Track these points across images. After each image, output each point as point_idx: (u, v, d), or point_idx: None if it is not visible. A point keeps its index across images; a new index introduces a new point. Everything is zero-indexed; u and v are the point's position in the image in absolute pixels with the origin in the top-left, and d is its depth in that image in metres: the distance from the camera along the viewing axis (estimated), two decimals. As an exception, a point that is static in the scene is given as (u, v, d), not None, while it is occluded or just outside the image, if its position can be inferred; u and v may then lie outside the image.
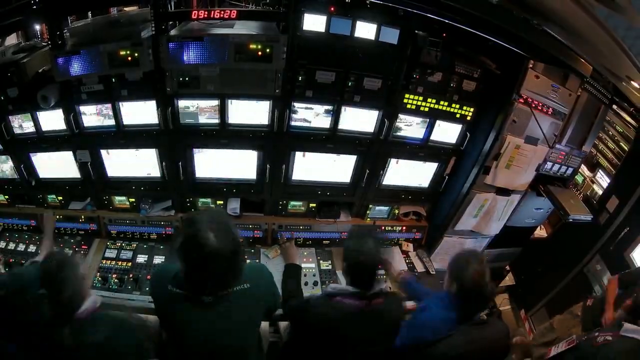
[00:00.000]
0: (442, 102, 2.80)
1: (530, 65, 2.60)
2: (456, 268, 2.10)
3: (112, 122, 2.80)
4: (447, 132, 2.91)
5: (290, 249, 2.90)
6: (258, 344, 2.16)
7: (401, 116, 2.80)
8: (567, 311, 2.94)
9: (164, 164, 2.95)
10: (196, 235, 1.63)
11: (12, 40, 3.22)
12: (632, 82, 2.94)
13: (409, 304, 2.60)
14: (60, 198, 3.28)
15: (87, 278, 1.96)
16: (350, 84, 2.67)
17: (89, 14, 3.18)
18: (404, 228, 3.23)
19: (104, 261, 3.08)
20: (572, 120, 2.90)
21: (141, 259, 3.11)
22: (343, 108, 2.74)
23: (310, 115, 2.77)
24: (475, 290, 2.01)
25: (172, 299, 1.82)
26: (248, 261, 2.48)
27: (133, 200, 3.20)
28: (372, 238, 2.00)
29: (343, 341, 1.99)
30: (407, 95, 2.75)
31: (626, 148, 3.67)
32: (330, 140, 2.85)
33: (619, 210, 3.30)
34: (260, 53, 2.49)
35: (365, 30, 2.50)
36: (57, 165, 3.08)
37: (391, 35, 2.55)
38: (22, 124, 2.94)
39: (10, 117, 2.91)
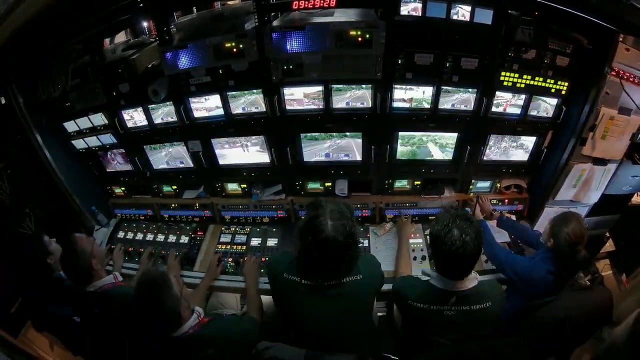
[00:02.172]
0: (537, 78, 3.41)
1: (620, 39, 3.10)
2: (556, 224, 2.98)
3: (220, 112, 3.60)
4: (543, 107, 3.57)
5: (406, 226, 3.79)
6: (370, 326, 2.76)
7: (498, 93, 3.49)
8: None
9: (272, 150, 3.82)
10: (316, 220, 2.23)
11: (121, 37, 4.17)
12: None
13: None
14: (175, 187, 4.25)
15: (185, 298, 2.45)
16: (448, 64, 3.27)
17: (194, 9, 4.04)
18: (507, 201, 4.13)
19: (220, 246, 4.04)
20: (664, 89, 3.62)
21: (255, 242, 4.04)
22: (442, 88, 3.42)
23: (410, 95, 3.48)
24: (570, 247, 2.85)
25: (287, 285, 2.46)
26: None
27: (244, 186, 4.17)
28: (462, 223, 2.29)
29: (436, 329, 2.47)
30: (503, 73, 3.36)
31: None
32: (432, 120, 3.60)
33: None
34: (360, 39, 3.09)
35: (460, 12, 3.07)
36: (172, 156, 4.00)
37: (485, 16, 3.09)
38: (134, 118, 3.82)
39: (123, 112, 3.78)
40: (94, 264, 2.88)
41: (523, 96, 3.49)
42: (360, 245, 2.43)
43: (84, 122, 3.92)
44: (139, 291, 2.36)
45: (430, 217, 4.09)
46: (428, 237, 3.71)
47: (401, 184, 4.07)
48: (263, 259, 3.79)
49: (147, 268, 3.63)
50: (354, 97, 3.47)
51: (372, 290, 2.61)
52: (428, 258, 3.71)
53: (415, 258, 3.70)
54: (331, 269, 2.36)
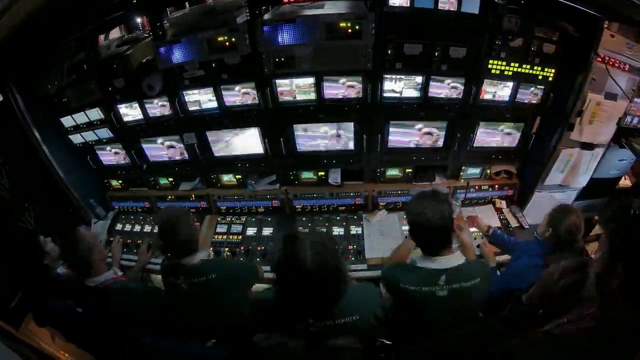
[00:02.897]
0: (524, 66, 3.45)
1: (605, 25, 3.15)
2: (555, 215, 3.03)
3: (214, 104, 3.66)
4: (530, 93, 3.63)
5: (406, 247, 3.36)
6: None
7: (486, 81, 3.53)
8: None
9: (266, 141, 3.87)
10: (293, 254, 1.89)
11: (115, 34, 4.17)
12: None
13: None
14: (171, 179, 4.32)
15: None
16: (436, 54, 3.30)
17: (187, 4, 4.09)
18: (497, 186, 4.20)
19: (216, 236, 4.13)
20: (649, 74, 3.69)
21: (251, 231, 4.11)
22: (431, 77, 3.47)
23: (400, 86, 3.53)
24: (568, 239, 2.93)
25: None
26: (355, 283, 2.75)
27: (239, 177, 4.23)
28: (434, 199, 2.38)
29: (430, 311, 2.44)
30: (490, 61, 3.40)
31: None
32: (422, 108, 3.64)
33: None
34: (350, 31, 3.11)
35: (448, 2, 3.12)
36: (167, 149, 4.07)
37: (472, 6, 3.14)
38: (129, 112, 3.86)
39: (118, 106, 3.82)
40: (95, 256, 2.88)
41: (510, 83, 3.53)
42: (350, 280, 2.08)
43: (80, 118, 3.96)
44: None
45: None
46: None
47: (393, 172, 4.13)
48: (259, 248, 3.88)
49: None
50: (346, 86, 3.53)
51: (372, 329, 2.34)
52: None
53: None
54: (319, 307, 2.07)
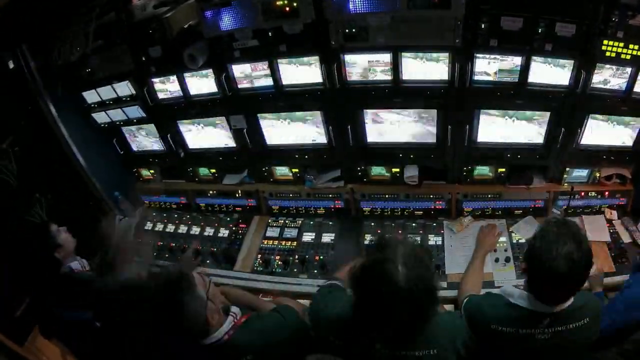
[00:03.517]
0: None
1: None
2: None
3: (269, 82, 3.25)
4: None
5: (489, 237, 3.29)
6: None
7: (599, 65, 3.07)
8: None
9: (330, 128, 3.41)
10: (383, 265, 1.70)
11: None
12: None
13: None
14: (214, 171, 3.89)
15: (216, 300, 2.15)
16: (540, 30, 2.92)
17: None
18: (607, 193, 3.61)
19: (266, 241, 3.66)
20: None
21: (308, 237, 3.62)
22: (533, 58, 3.05)
23: (495, 67, 3.10)
24: None
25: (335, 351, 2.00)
26: (441, 312, 2.46)
27: (296, 170, 3.74)
28: (572, 238, 1.94)
29: (525, 356, 2.19)
30: (605, 42, 2.97)
31: None
32: (520, 96, 3.19)
33: None
34: None
35: None
36: (209, 133, 3.63)
37: None
38: (167, 88, 3.45)
39: (153, 81, 3.44)
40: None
41: (629, 69, 3.04)
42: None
43: (107, 92, 3.61)
44: (155, 295, 2.08)
45: (516, 212, 3.63)
46: (521, 248, 3.32)
47: (483, 171, 3.61)
48: (317, 258, 3.44)
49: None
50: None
51: None
52: (513, 260, 3.29)
53: (497, 260, 3.29)
54: (396, 333, 1.86)
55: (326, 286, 2.43)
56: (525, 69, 3.06)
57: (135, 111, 3.66)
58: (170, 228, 3.88)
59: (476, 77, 3.10)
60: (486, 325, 2.19)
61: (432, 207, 3.67)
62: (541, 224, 2.24)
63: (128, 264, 2.69)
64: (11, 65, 3.35)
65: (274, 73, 3.21)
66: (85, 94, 3.67)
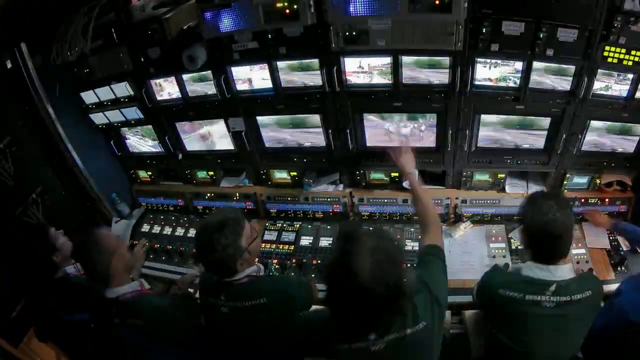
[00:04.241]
0: None
1: None
2: None
3: (268, 84, 3.21)
4: None
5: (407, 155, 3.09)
6: None
7: (600, 71, 3.04)
8: None
9: (329, 131, 3.36)
10: (349, 257, 1.69)
11: None
12: None
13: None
14: (212, 173, 3.82)
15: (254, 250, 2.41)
16: (542, 35, 2.88)
17: None
18: (607, 200, 3.56)
19: (263, 244, 3.57)
20: None
21: (305, 241, 3.57)
22: (534, 63, 3.01)
23: (495, 72, 3.08)
24: None
25: (341, 357, 2.02)
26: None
27: (295, 174, 3.70)
28: (558, 203, 2.25)
29: (530, 326, 2.27)
30: (607, 48, 2.95)
31: None
32: (520, 101, 3.15)
33: None
34: (437, 2, 2.67)
35: None
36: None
37: None
38: (165, 89, 3.42)
39: (151, 82, 3.40)
40: (116, 265, 2.56)
41: (630, 75, 3.02)
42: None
43: (105, 93, 3.58)
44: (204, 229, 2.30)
45: (515, 218, 3.55)
46: (520, 254, 3.33)
47: (482, 177, 3.57)
48: (315, 261, 3.39)
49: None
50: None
51: (440, 332, 2.16)
52: (511, 266, 3.24)
53: None
54: (376, 323, 1.86)
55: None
56: (526, 74, 3.02)
57: (134, 112, 3.62)
58: (167, 230, 3.84)
59: (477, 82, 3.06)
60: (494, 291, 2.29)
61: (432, 212, 3.61)
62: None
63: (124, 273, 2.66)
64: (9, 65, 3.28)
65: (273, 75, 3.17)
66: (83, 94, 3.65)
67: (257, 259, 2.65)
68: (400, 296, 1.72)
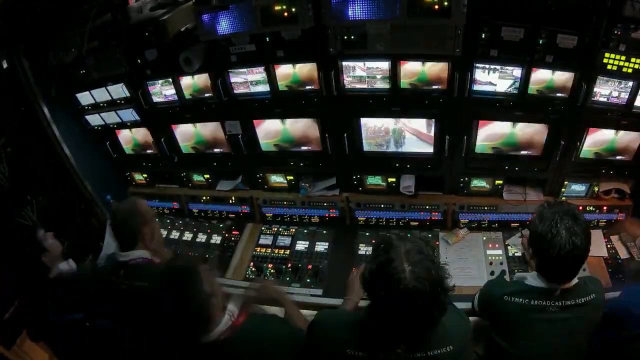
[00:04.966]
0: None
1: None
2: None
3: (265, 87, 3.20)
4: None
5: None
6: None
7: (600, 78, 3.01)
8: None
9: (326, 135, 3.33)
10: (388, 266, 1.69)
11: None
12: None
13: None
14: (207, 176, 3.81)
15: (217, 293, 2.12)
16: (541, 41, 2.87)
17: None
18: (605, 208, 3.53)
19: (258, 249, 3.58)
20: None
21: (301, 245, 3.55)
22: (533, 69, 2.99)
23: (495, 77, 3.05)
24: None
25: None
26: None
27: (291, 178, 3.68)
28: (574, 220, 2.09)
29: (535, 332, 2.22)
30: (606, 55, 2.92)
31: None
32: (519, 107, 3.12)
33: None
34: (437, 6, 2.66)
35: None
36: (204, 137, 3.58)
37: None
38: (162, 91, 3.40)
39: (148, 83, 3.38)
40: (145, 233, 2.69)
41: (630, 83, 2.99)
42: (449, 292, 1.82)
43: (101, 94, 3.54)
44: (161, 285, 2.07)
45: (512, 224, 3.55)
46: (524, 238, 3.17)
47: (480, 183, 3.55)
48: (309, 267, 3.36)
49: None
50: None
51: None
52: (508, 273, 3.23)
53: (492, 273, 3.25)
54: (416, 333, 1.84)
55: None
56: (525, 80, 3.00)
57: (130, 114, 3.60)
58: (162, 233, 3.59)
59: (475, 87, 3.05)
60: (499, 299, 2.27)
61: (428, 218, 3.60)
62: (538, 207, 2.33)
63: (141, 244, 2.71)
64: (5, 65, 3.26)
65: (270, 78, 3.16)
66: (79, 95, 3.62)
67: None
68: (443, 291, 1.71)
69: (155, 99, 3.47)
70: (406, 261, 1.65)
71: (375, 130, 3.33)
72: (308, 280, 3.26)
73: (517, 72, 2.98)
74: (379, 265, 1.71)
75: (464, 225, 3.59)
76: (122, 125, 3.72)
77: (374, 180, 3.60)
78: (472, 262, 3.36)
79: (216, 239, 3.72)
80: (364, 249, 3.48)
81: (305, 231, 3.69)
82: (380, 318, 1.79)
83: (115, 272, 2.65)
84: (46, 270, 2.94)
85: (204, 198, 3.90)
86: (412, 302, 1.64)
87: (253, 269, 3.37)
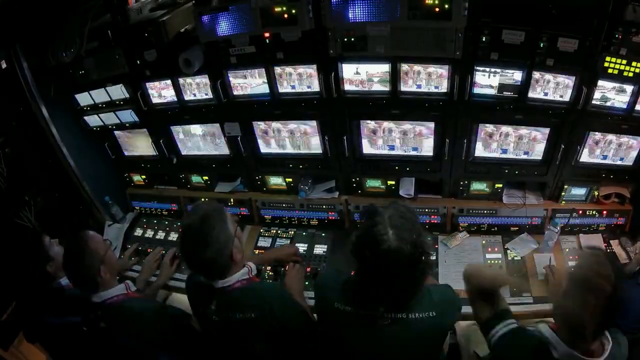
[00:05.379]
0: None
1: None
2: None
3: (265, 89, 3.18)
4: None
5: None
6: None
7: (600, 82, 3.00)
8: None
9: (326, 138, 3.33)
10: (373, 229, 1.83)
11: None
12: None
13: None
14: (206, 178, 3.82)
15: (240, 237, 2.30)
16: (542, 45, 2.86)
17: None
18: (605, 212, 3.53)
19: (257, 251, 3.57)
20: None
21: (300, 248, 3.50)
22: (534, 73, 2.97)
23: (495, 81, 3.03)
24: None
25: (338, 317, 2.11)
26: (435, 284, 2.73)
27: (290, 180, 3.67)
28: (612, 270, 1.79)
29: None
30: (607, 58, 2.91)
31: None
32: (519, 111, 3.12)
33: None
34: (437, 9, 2.66)
35: None
36: (202, 140, 3.59)
37: None
38: (161, 93, 3.39)
39: (147, 85, 3.37)
40: (103, 272, 2.54)
41: (631, 87, 2.99)
42: (431, 257, 2.04)
43: (100, 95, 3.52)
44: (189, 227, 2.19)
45: (512, 228, 3.56)
46: (516, 265, 3.28)
47: (479, 186, 3.54)
48: (308, 269, 3.36)
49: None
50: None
51: (446, 331, 2.36)
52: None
53: None
54: (397, 293, 1.95)
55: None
56: (526, 84, 2.99)
57: (129, 115, 3.59)
58: (161, 235, 3.82)
59: (475, 90, 3.03)
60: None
61: (427, 221, 3.59)
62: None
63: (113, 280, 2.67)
64: (4, 65, 3.27)
65: (271, 80, 3.14)
66: (77, 96, 3.60)
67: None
68: (424, 254, 1.85)
69: (155, 99, 3.45)
70: (389, 225, 1.81)
71: (375, 132, 3.32)
72: (307, 283, 3.23)
73: (518, 75, 2.96)
74: (365, 229, 1.87)
75: (463, 229, 3.58)
76: (121, 126, 3.71)
77: (374, 183, 3.59)
78: (470, 265, 3.35)
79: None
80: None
81: (304, 234, 3.67)
82: (365, 276, 1.93)
83: (92, 314, 2.58)
84: (47, 277, 2.93)
85: (203, 199, 3.82)
86: (394, 262, 1.78)
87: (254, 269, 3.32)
